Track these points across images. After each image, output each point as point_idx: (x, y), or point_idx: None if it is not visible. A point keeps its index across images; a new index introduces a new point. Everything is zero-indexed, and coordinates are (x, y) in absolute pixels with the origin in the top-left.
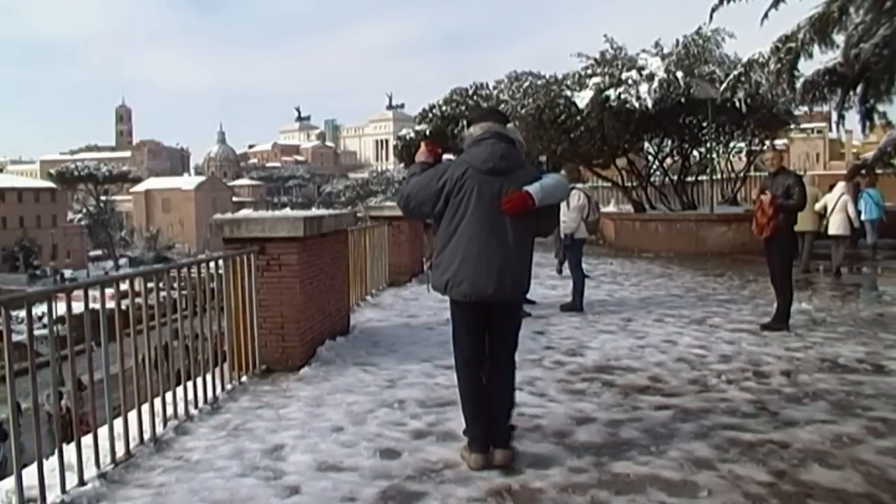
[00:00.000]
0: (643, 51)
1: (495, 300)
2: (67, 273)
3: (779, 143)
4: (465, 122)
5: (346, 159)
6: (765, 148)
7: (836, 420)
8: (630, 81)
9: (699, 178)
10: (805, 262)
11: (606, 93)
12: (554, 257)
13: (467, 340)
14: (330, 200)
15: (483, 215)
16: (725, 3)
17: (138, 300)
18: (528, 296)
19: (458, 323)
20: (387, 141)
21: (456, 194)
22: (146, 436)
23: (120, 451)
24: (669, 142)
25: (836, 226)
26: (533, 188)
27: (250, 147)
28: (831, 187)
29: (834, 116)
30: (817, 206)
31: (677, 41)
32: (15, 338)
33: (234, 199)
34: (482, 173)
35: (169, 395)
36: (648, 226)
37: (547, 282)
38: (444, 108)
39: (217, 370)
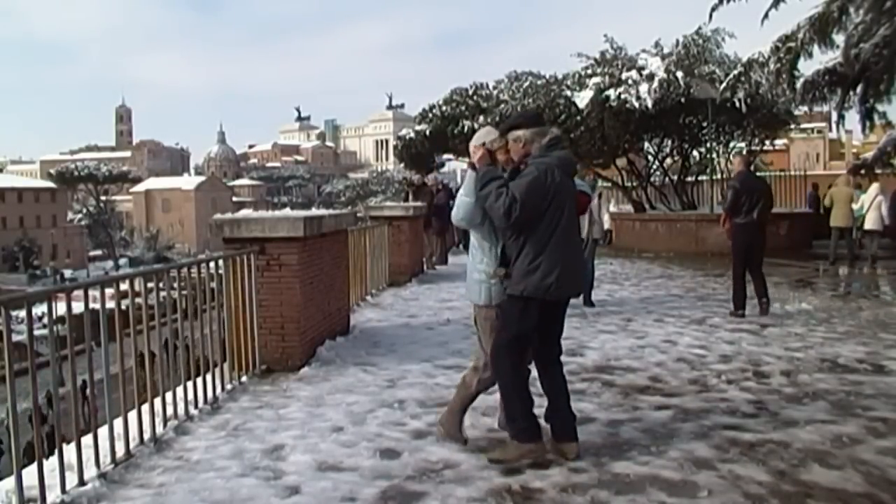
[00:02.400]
0: (643, 51)
1: (575, 296)
2: (67, 273)
3: (779, 142)
4: (462, 123)
5: (346, 159)
6: (765, 148)
7: (836, 420)
8: (630, 81)
9: (699, 178)
10: (832, 254)
11: (606, 93)
12: None
13: (537, 339)
14: (330, 200)
15: (571, 218)
16: (725, 2)
17: (138, 300)
18: None
19: (532, 323)
20: (387, 141)
21: (556, 198)
22: (146, 436)
23: (120, 451)
24: (669, 142)
25: (870, 222)
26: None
27: (250, 147)
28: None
29: (834, 116)
30: (856, 206)
31: (677, 41)
32: (15, 338)
33: (234, 199)
34: (567, 178)
35: (169, 395)
36: (648, 226)
37: None
38: (444, 108)
39: (217, 370)
